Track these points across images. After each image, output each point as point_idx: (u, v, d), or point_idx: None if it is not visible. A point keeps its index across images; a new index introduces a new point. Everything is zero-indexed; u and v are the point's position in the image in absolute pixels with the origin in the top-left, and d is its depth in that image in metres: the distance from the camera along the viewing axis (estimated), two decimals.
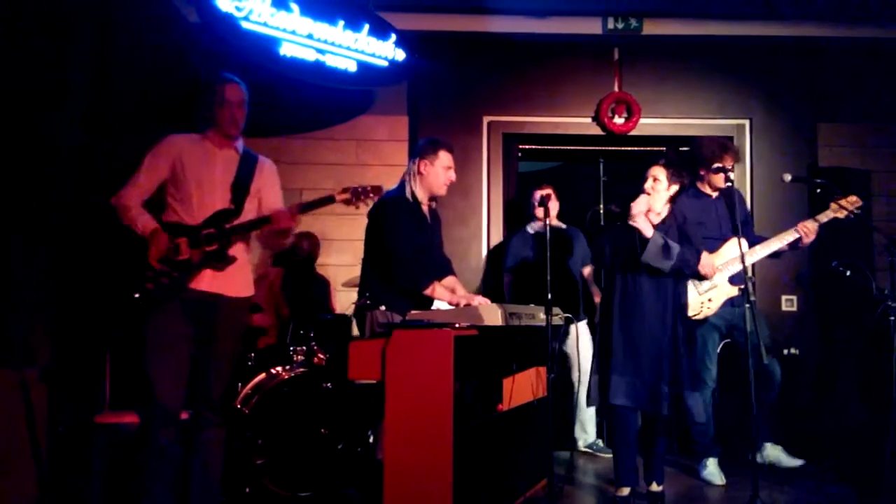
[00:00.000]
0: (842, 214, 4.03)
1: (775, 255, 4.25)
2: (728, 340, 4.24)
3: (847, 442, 4.66)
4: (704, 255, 3.85)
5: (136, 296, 2.95)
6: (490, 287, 5.25)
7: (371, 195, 3.14)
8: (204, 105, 3.13)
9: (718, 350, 4.25)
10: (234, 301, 3.10)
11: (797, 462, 4.15)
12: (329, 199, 3.13)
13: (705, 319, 4.11)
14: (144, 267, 2.96)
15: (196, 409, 3.09)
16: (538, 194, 4.70)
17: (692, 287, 3.99)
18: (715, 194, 4.29)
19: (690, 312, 4.06)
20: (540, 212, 4.51)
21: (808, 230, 4.10)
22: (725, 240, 4.17)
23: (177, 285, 2.98)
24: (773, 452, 4.23)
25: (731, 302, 4.11)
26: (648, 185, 3.57)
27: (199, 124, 3.17)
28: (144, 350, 2.96)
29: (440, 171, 3.66)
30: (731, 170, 3.91)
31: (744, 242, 4.10)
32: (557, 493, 3.51)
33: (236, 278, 3.12)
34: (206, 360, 3.06)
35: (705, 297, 4.08)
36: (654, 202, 3.56)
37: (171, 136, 3.14)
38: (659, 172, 3.57)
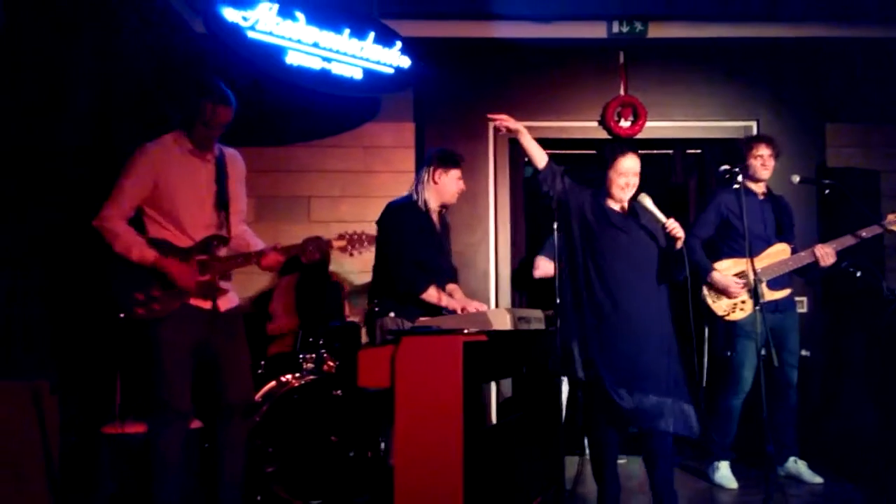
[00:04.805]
0: None
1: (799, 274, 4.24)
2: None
3: (857, 443, 4.63)
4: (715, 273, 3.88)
5: (140, 311, 2.94)
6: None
7: (366, 244, 3.16)
8: (186, 108, 2.98)
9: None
10: (228, 312, 3.13)
11: (818, 479, 4.12)
12: (319, 243, 3.14)
13: (741, 325, 4.06)
14: (139, 287, 2.93)
15: (219, 413, 3.11)
16: None
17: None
18: (762, 195, 4.28)
19: (721, 312, 4.03)
20: None
21: (825, 254, 4.07)
22: (770, 243, 4.17)
23: (174, 301, 2.98)
24: (795, 467, 4.20)
25: (771, 306, 4.02)
26: (631, 181, 3.41)
27: (171, 120, 3.04)
28: (154, 353, 2.96)
29: (454, 181, 3.71)
30: (738, 172, 3.84)
31: (786, 247, 4.12)
32: (568, 500, 3.49)
33: (227, 294, 3.14)
34: (222, 366, 3.10)
35: (739, 299, 4.05)
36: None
37: (146, 149, 3.00)
38: (638, 166, 3.43)
